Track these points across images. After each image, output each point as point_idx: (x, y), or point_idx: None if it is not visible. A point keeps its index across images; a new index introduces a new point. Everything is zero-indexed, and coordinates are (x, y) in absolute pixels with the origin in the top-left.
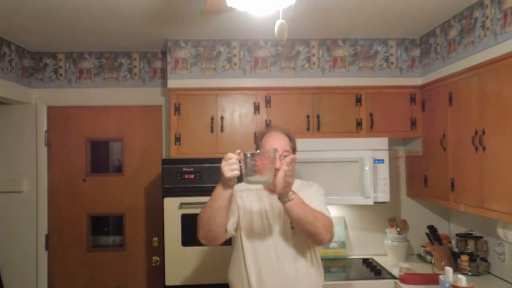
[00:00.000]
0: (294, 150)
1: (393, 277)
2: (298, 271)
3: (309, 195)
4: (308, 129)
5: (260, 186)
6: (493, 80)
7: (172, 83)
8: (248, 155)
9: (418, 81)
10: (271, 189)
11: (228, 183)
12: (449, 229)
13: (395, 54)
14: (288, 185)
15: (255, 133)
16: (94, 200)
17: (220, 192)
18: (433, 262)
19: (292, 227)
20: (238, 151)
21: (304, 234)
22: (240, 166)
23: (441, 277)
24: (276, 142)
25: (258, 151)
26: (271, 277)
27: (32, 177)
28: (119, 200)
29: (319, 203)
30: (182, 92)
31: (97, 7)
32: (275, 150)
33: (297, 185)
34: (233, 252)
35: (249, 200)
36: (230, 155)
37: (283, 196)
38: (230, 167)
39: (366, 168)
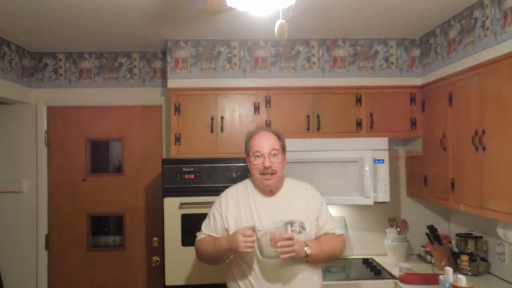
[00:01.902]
0: (283, 149)
1: (393, 277)
2: (297, 274)
3: (309, 205)
4: (308, 129)
5: (252, 189)
6: (493, 80)
7: (172, 83)
8: (266, 234)
9: (418, 81)
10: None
11: (237, 252)
12: (449, 229)
13: (395, 54)
14: (296, 252)
15: None
16: (94, 200)
17: (226, 252)
18: (433, 262)
19: (292, 231)
20: (255, 228)
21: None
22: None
23: (441, 277)
24: (264, 141)
25: (271, 227)
26: (270, 281)
27: (32, 177)
28: (119, 200)
29: (328, 219)
30: (182, 92)
31: (97, 7)
32: (287, 222)
33: (291, 185)
34: (229, 259)
35: (240, 208)
36: (249, 232)
37: (302, 257)
38: (247, 244)
39: (366, 168)
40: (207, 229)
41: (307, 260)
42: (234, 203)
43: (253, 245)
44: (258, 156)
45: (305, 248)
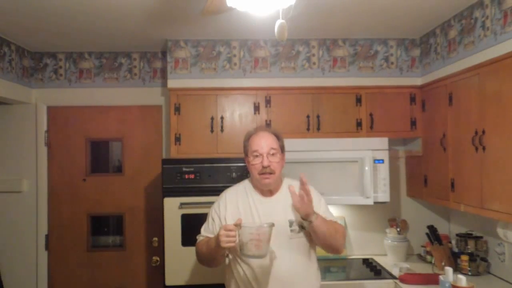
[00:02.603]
0: (282, 149)
1: (393, 277)
2: (295, 274)
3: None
4: (308, 129)
5: (252, 190)
6: (493, 80)
7: (172, 83)
8: (246, 230)
9: (418, 81)
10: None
11: (220, 248)
12: (449, 229)
13: (395, 54)
14: (309, 207)
15: None
16: (94, 200)
17: (216, 250)
18: (433, 262)
19: (291, 231)
20: (239, 222)
21: (326, 248)
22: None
23: (441, 277)
24: (263, 140)
25: (256, 225)
26: (269, 281)
27: (32, 177)
28: (119, 200)
29: (325, 212)
30: (182, 92)
31: (97, 7)
32: (272, 224)
33: (290, 184)
34: (229, 260)
35: (239, 208)
36: (230, 227)
37: (308, 216)
38: (228, 238)
39: (366, 168)
40: (205, 231)
41: (311, 227)
42: (233, 204)
43: (235, 240)
44: (256, 155)
45: (313, 215)
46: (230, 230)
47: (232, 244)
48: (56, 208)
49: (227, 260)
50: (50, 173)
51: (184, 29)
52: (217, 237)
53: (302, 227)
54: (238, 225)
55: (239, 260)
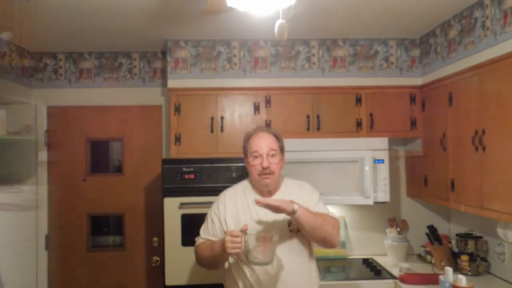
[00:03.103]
0: (282, 149)
1: (393, 277)
2: (296, 274)
3: (304, 197)
4: (308, 129)
5: (250, 190)
6: (493, 80)
7: (172, 83)
8: (252, 237)
9: (418, 81)
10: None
11: (226, 254)
12: (449, 229)
13: (395, 54)
14: (283, 206)
15: None
16: (94, 200)
17: (221, 255)
18: (433, 262)
19: (290, 230)
20: (245, 228)
21: (317, 241)
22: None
23: (441, 277)
24: (262, 141)
25: (262, 234)
26: (269, 283)
27: (32, 177)
28: (119, 200)
29: (317, 205)
30: (182, 92)
31: (97, 7)
32: (279, 232)
33: (288, 184)
34: (229, 264)
35: (239, 209)
36: (237, 233)
37: (289, 213)
38: (234, 245)
39: (366, 168)
40: (205, 234)
41: (296, 218)
42: (233, 205)
43: (240, 246)
44: (256, 156)
45: (294, 206)
46: (236, 236)
47: (238, 250)
48: (56, 208)
49: (226, 264)
50: (50, 173)
51: (184, 29)
52: (222, 243)
53: (291, 223)
54: (244, 231)
55: (240, 264)
